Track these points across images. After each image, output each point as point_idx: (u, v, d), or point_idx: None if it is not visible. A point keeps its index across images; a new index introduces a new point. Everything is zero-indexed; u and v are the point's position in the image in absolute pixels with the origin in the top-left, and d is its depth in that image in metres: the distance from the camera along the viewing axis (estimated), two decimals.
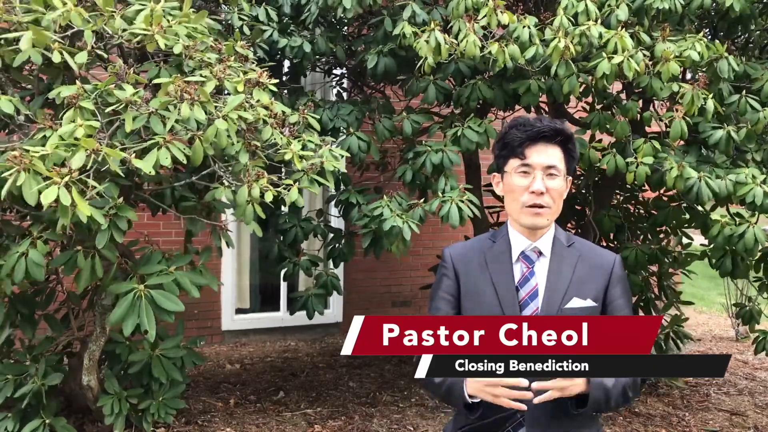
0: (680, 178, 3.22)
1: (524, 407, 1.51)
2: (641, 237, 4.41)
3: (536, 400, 1.50)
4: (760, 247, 3.34)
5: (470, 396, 1.58)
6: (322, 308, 3.91)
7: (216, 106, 2.64)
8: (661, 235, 4.47)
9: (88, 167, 2.36)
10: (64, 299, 3.64)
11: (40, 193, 2.19)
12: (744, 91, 3.43)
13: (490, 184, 1.88)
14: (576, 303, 1.64)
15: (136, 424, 3.53)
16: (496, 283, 1.67)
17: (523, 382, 1.47)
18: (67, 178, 2.23)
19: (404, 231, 3.24)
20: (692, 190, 3.22)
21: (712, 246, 3.59)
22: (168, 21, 2.81)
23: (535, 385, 1.49)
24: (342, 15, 3.52)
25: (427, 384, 1.71)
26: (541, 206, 1.63)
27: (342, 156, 3.21)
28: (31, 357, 3.35)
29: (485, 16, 3.22)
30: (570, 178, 1.70)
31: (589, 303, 1.65)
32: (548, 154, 1.64)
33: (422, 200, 3.48)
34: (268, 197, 2.66)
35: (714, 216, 3.59)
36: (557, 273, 1.67)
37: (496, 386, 1.50)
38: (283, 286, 5.87)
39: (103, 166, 2.41)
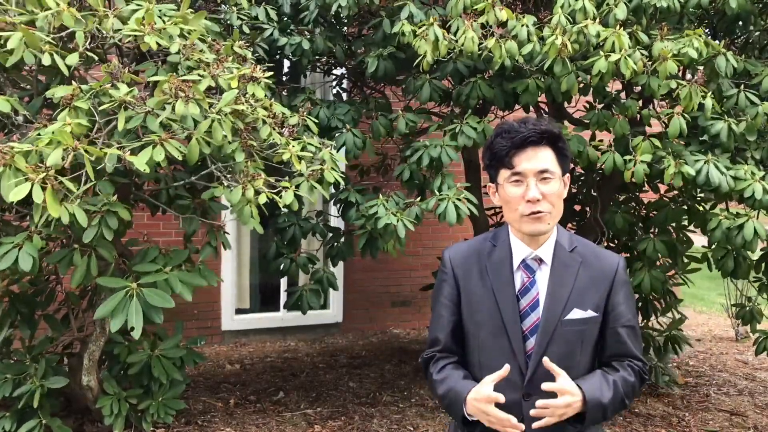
0: (678, 174, 3.21)
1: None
2: (655, 231, 4.37)
3: (536, 425, 1.54)
4: (760, 243, 3.33)
5: (469, 414, 1.60)
6: (318, 303, 3.91)
7: (211, 104, 2.64)
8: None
9: (74, 164, 2.35)
10: (63, 299, 3.64)
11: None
12: (742, 86, 3.44)
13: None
14: (576, 314, 1.62)
15: (135, 425, 3.53)
16: (497, 292, 1.64)
17: (513, 419, 1.53)
18: (42, 175, 2.23)
19: (399, 229, 3.24)
20: (699, 176, 3.20)
21: (713, 246, 3.59)
22: (163, 22, 2.80)
23: (534, 411, 1.53)
24: (339, 12, 3.53)
25: (432, 391, 1.74)
26: (541, 212, 1.58)
27: (343, 162, 3.22)
28: (31, 357, 3.35)
29: (483, 12, 3.22)
30: (567, 176, 1.65)
31: (589, 314, 1.63)
32: (538, 158, 1.57)
33: (419, 199, 3.48)
34: (262, 199, 2.66)
35: (714, 212, 3.59)
36: (558, 283, 1.63)
37: (490, 415, 1.54)
38: (283, 287, 5.87)
39: (97, 165, 2.41)
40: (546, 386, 1.53)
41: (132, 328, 2.71)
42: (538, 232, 1.61)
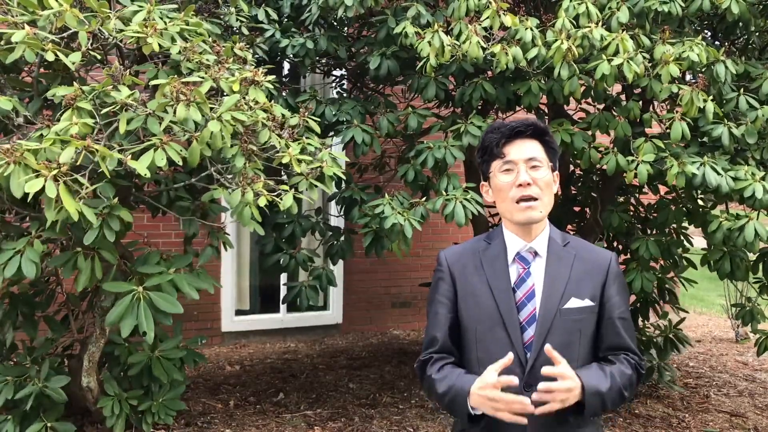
0: (681, 175, 3.22)
1: (524, 421, 1.51)
2: (652, 232, 4.37)
3: (537, 412, 1.51)
4: (761, 244, 3.33)
5: (473, 408, 1.58)
6: (316, 300, 3.89)
7: (212, 107, 2.64)
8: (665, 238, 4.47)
9: (78, 164, 2.36)
10: (63, 301, 3.64)
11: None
12: (742, 90, 3.44)
13: None
14: (574, 303, 1.65)
15: (136, 426, 3.53)
16: (492, 284, 1.66)
17: (525, 400, 1.48)
18: (55, 172, 2.24)
19: (405, 228, 3.22)
20: (696, 178, 3.21)
21: (711, 246, 3.59)
22: (165, 23, 2.81)
23: (536, 396, 1.51)
24: (343, 15, 3.52)
25: (430, 392, 1.72)
26: (532, 198, 1.63)
27: (343, 159, 3.21)
28: (32, 359, 3.34)
29: (488, 18, 3.22)
30: (557, 172, 1.70)
31: (587, 302, 1.66)
32: (527, 148, 1.65)
33: (424, 199, 3.47)
34: (261, 202, 2.66)
35: (714, 212, 3.60)
36: (554, 273, 1.66)
37: (497, 401, 1.51)
38: (283, 288, 5.87)
39: (99, 167, 2.41)
40: (546, 370, 1.51)
41: (144, 333, 2.72)
42: (530, 220, 1.65)
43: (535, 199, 1.63)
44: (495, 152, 1.67)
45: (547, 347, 1.54)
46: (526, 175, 1.62)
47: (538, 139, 1.67)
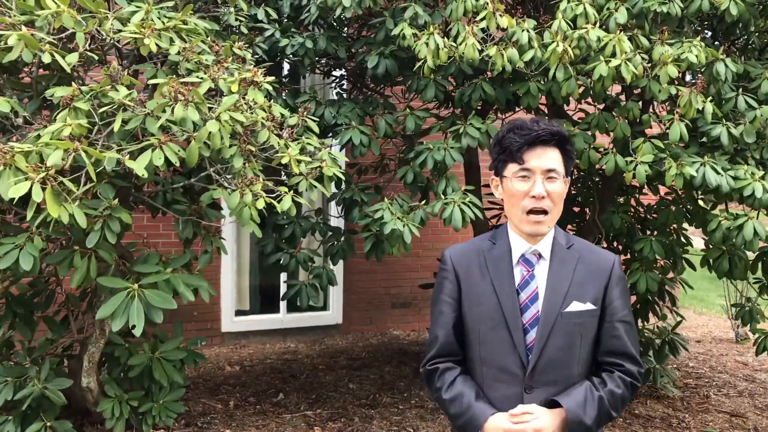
0: (679, 176, 3.22)
1: None
2: (652, 232, 4.36)
3: None
4: (760, 243, 3.33)
5: None
6: (316, 299, 3.89)
7: (210, 108, 2.64)
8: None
9: (76, 165, 2.36)
10: (63, 301, 3.64)
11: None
12: (741, 90, 3.44)
13: (489, 185, 1.88)
14: (576, 306, 1.65)
15: (136, 427, 3.53)
16: (497, 286, 1.67)
17: None
18: (42, 175, 2.24)
19: (405, 234, 3.23)
20: (695, 179, 3.20)
21: (710, 246, 3.59)
22: (163, 23, 2.81)
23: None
24: (341, 14, 3.52)
25: (439, 406, 1.74)
26: (543, 211, 1.63)
27: (342, 159, 3.21)
28: (31, 359, 3.34)
29: (484, 19, 3.22)
30: (568, 178, 1.70)
31: (588, 306, 1.66)
32: (547, 158, 1.63)
33: (423, 202, 3.47)
34: (260, 204, 2.66)
35: (714, 212, 3.60)
36: (557, 276, 1.67)
37: None
38: (283, 288, 5.86)
39: (97, 167, 2.41)
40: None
41: (133, 326, 2.72)
42: (537, 233, 1.66)
43: (546, 213, 1.63)
44: (514, 156, 1.64)
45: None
46: (541, 187, 1.61)
47: (558, 148, 1.65)
